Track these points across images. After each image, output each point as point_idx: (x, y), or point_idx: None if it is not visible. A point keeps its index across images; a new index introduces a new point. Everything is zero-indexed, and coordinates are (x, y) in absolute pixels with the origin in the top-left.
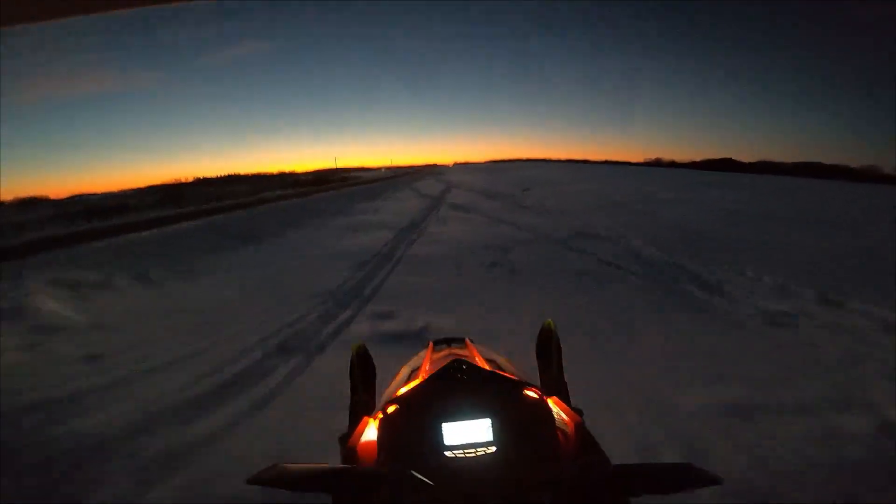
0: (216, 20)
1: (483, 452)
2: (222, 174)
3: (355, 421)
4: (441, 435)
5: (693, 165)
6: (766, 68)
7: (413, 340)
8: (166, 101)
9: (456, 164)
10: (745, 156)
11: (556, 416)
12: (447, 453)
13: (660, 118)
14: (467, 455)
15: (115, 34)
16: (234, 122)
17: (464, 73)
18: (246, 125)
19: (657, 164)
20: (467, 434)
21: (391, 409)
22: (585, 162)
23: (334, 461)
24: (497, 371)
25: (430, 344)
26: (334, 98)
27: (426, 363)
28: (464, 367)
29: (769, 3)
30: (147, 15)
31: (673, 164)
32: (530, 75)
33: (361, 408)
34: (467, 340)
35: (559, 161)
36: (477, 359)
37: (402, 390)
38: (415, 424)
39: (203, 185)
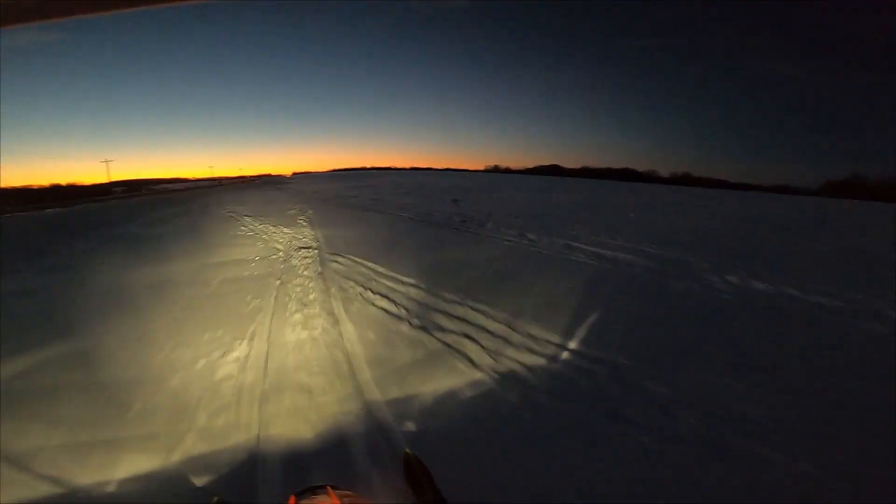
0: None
1: None
2: None
3: None
4: None
5: (526, 171)
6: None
7: None
8: None
9: (295, 174)
10: (569, 162)
11: None
12: None
13: (500, 127)
14: None
15: None
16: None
17: (301, 78)
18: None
19: (496, 170)
20: None
21: None
22: (429, 169)
23: None
24: None
25: (292, 498)
26: (146, 103)
27: None
28: None
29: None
30: None
31: (508, 171)
32: (372, 82)
33: None
34: (329, 489)
35: (403, 169)
36: None
37: None
38: None
39: None
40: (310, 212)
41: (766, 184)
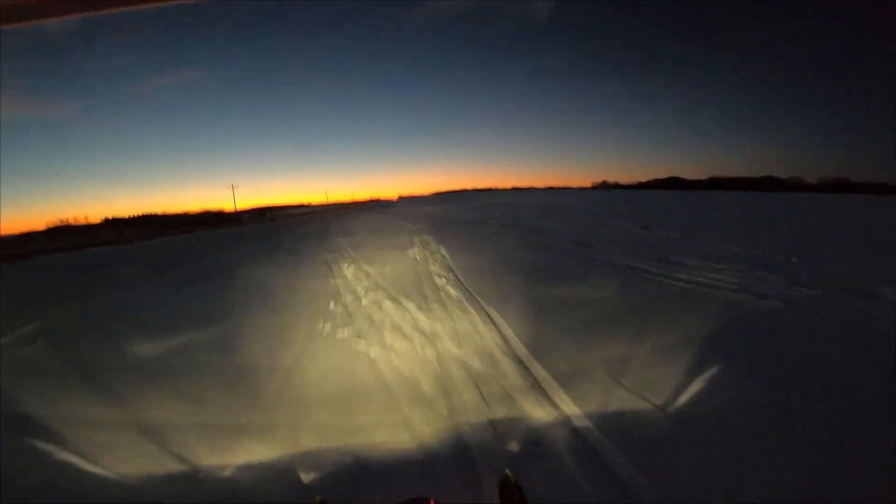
0: (143, 48)
1: None
2: (138, 213)
3: None
4: None
5: (640, 186)
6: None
7: None
8: (83, 131)
9: (401, 198)
10: (689, 173)
11: None
12: None
13: (603, 141)
14: None
15: (31, 59)
16: (160, 155)
17: (402, 106)
18: (173, 159)
19: (604, 186)
20: None
21: None
22: (531, 189)
23: None
24: None
25: None
26: (270, 133)
27: None
28: None
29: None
30: (67, 42)
31: (618, 186)
32: (469, 105)
33: None
34: (431, 501)
35: (503, 189)
36: None
37: None
38: None
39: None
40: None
41: None
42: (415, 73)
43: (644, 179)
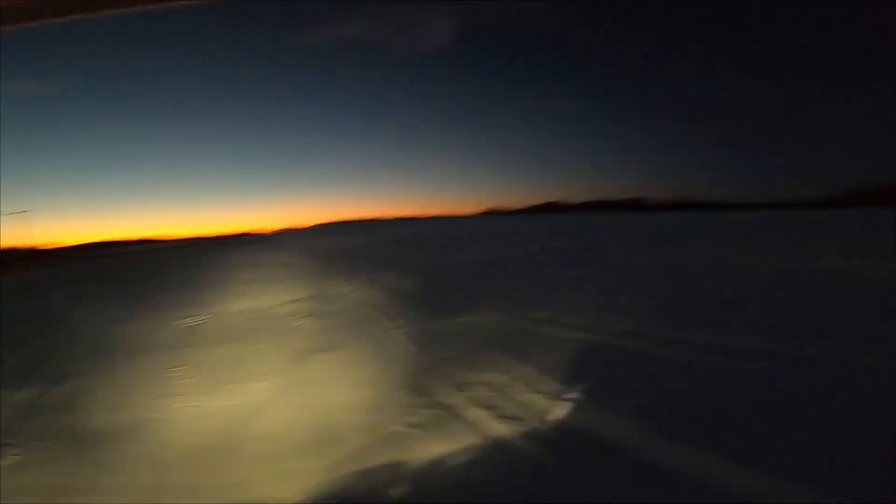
0: None
1: None
2: None
3: None
4: None
5: (524, 211)
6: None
7: None
8: None
9: (274, 232)
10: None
11: None
12: None
13: (490, 166)
14: None
15: None
16: None
17: (280, 132)
18: None
19: (493, 213)
20: None
21: None
22: (421, 218)
23: None
24: None
25: None
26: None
27: None
28: None
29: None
30: None
31: (504, 212)
32: (351, 132)
33: None
34: None
35: (389, 219)
36: None
37: None
38: None
39: None
40: None
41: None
42: (295, 97)
43: (527, 205)
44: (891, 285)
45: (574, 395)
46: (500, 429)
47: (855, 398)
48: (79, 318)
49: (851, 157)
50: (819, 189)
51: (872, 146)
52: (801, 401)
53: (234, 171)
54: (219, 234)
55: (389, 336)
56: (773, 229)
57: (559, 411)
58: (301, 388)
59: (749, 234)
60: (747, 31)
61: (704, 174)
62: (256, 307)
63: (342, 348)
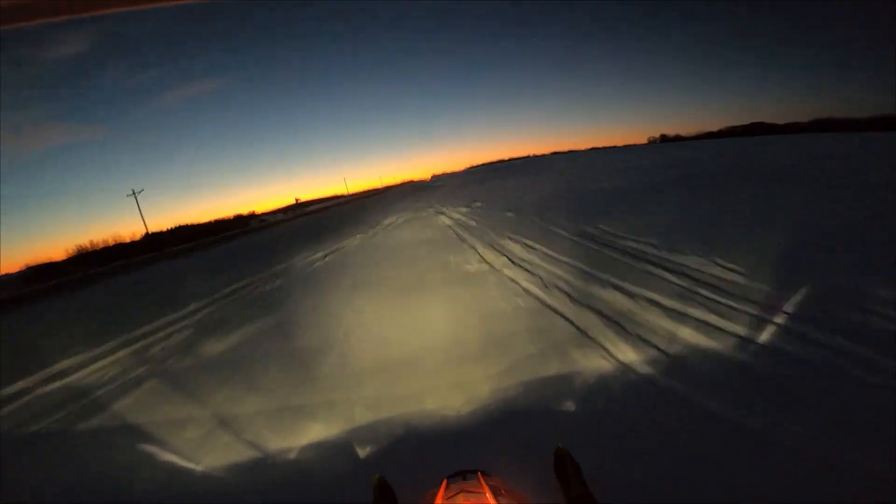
0: (160, 62)
1: None
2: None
3: None
4: None
5: (710, 136)
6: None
7: None
8: (113, 152)
9: (434, 177)
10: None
11: None
12: None
13: (657, 91)
14: None
15: (53, 86)
16: (189, 166)
17: (429, 80)
18: (202, 168)
19: (664, 140)
20: None
21: None
22: (572, 151)
23: None
24: None
25: (444, 481)
26: (291, 130)
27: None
28: None
29: None
30: (86, 62)
31: (679, 139)
32: (501, 71)
33: None
34: (480, 475)
35: (544, 155)
36: (488, 497)
37: None
38: None
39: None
40: None
41: None
42: (435, 47)
43: (714, 129)
44: None
45: None
46: None
47: None
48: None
49: None
50: None
51: None
52: None
53: (386, 130)
54: (383, 185)
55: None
56: None
57: None
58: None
59: None
60: None
61: None
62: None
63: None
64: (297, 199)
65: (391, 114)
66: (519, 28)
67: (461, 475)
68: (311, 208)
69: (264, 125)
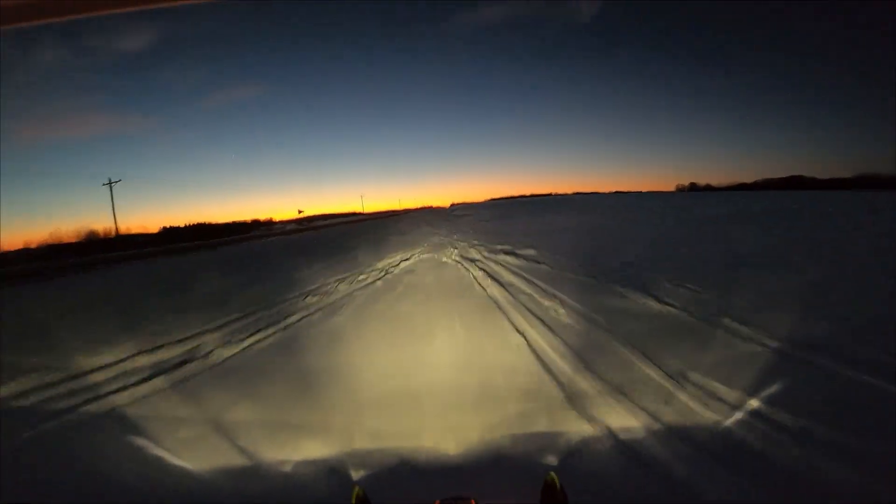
0: (209, 62)
1: None
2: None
3: None
4: None
5: (743, 187)
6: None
7: None
8: (162, 145)
9: (454, 205)
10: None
11: None
12: None
13: (681, 137)
14: None
15: (108, 75)
16: (231, 166)
17: (456, 109)
18: (244, 170)
19: (693, 189)
20: None
21: None
22: (595, 193)
23: None
24: None
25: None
26: (315, 142)
27: None
28: None
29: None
30: (140, 56)
31: (709, 188)
32: (528, 106)
33: None
34: (472, 501)
35: (565, 195)
36: None
37: None
38: None
39: None
40: None
41: None
42: (464, 77)
43: (748, 180)
44: None
45: None
46: None
47: None
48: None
49: None
50: None
51: None
52: None
53: (407, 153)
54: (404, 207)
55: None
56: None
57: None
58: None
59: None
60: None
61: None
62: None
63: None
64: (300, 211)
65: (416, 137)
66: (546, 64)
67: (453, 501)
68: (322, 223)
69: (293, 135)
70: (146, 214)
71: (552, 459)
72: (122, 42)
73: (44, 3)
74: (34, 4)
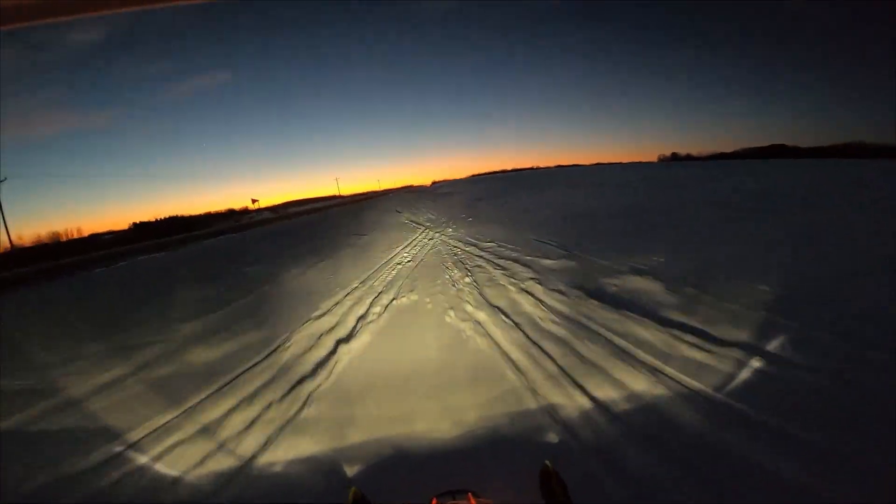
0: (172, 52)
1: None
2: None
3: None
4: None
5: (723, 157)
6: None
7: None
8: (123, 138)
9: (435, 183)
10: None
11: None
12: None
13: (661, 109)
14: None
15: (68, 71)
16: (191, 157)
17: (433, 86)
18: (211, 159)
19: (674, 159)
20: None
21: None
22: (576, 166)
23: None
24: None
25: (434, 501)
26: (289, 126)
27: None
28: None
29: None
30: (100, 50)
31: (689, 158)
32: (506, 80)
33: None
34: (470, 496)
35: (547, 168)
36: None
37: None
38: None
39: None
40: None
41: None
42: (442, 52)
43: (728, 150)
44: None
45: None
46: None
47: None
48: None
49: None
50: None
51: None
52: None
53: (384, 131)
54: (383, 188)
55: None
56: None
57: None
58: None
59: None
60: None
61: None
62: None
63: None
64: (254, 201)
65: (393, 116)
66: (523, 37)
67: (450, 495)
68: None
69: (263, 120)
70: (115, 211)
71: None
72: (74, 35)
73: (43, 3)
74: (34, 4)
